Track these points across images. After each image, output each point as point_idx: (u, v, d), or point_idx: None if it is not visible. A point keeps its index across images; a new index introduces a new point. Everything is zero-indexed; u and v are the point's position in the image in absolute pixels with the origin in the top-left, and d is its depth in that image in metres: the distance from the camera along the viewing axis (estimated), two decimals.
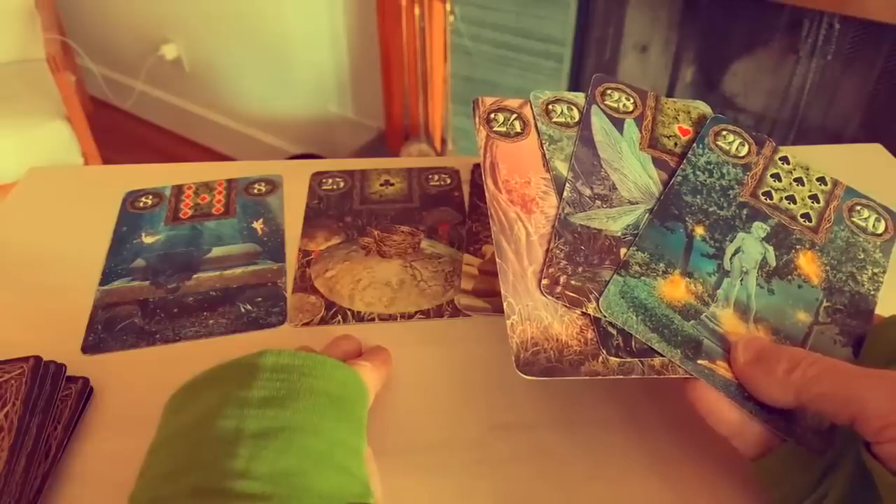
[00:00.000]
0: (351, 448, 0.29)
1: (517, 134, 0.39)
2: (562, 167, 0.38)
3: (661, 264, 0.35)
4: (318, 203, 0.53)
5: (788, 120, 1.28)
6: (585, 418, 0.37)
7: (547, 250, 0.35)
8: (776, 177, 0.39)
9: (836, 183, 0.40)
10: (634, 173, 0.38)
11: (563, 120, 0.40)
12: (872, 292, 0.36)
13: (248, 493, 0.24)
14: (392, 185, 0.54)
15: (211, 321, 0.43)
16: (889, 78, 1.15)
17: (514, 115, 0.40)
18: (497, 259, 0.34)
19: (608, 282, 0.34)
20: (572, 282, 0.34)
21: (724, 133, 0.40)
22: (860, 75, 1.18)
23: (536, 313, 0.33)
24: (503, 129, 0.39)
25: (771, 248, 0.37)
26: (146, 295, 0.45)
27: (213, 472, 0.25)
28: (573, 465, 0.35)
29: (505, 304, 0.33)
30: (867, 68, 1.17)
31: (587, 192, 0.37)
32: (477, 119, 0.40)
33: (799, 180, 0.39)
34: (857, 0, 1.03)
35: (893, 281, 0.38)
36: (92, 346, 0.41)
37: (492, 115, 0.40)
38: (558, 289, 0.33)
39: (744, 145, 0.40)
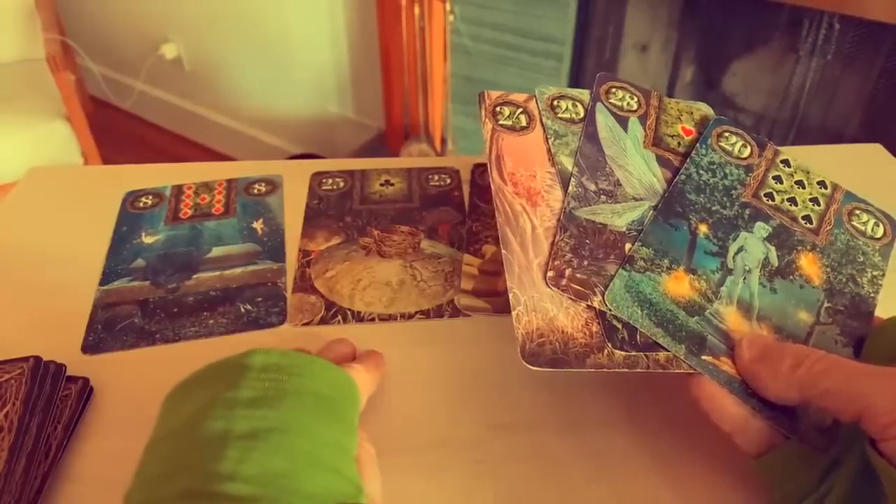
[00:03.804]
0: (341, 448, 0.29)
1: (522, 128, 0.39)
2: (567, 162, 0.38)
3: (666, 260, 0.35)
4: (318, 203, 0.53)
5: (788, 120, 1.28)
6: (585, 418, 0.37)
7: (552, 243, 0.35)
8: (777, 179, 0.39)
9: (835, 187, 0.40)
10: (639, 170, 0.38)
11: (568, 116, 0.40)
12: (872, 294, 0.37)
13: (237, 496, 0.24)
14: (392, 185, 0.54)
15: (211, 321, 0.43)
16: (889, 78, 1.15)
17: (520, 110, 0.40)
18: (502, 250, 0.34)
19: (613, 276, 0.34)
20: (577, 275, 0.34)
21: (727, 134, 0.41)
22: (860, 75, 1.18)
23: (542, 305, 0.33)
24: (509, 122, 0.39)
25: (773, 249, 0.37)
26: (146, 295, 0.45)
27: (202, 475, 0.25)
28: (573, 466, 0.35)
29: (511, 296, 0.33)
30: (867, 68, 1.17)
31: (592, 187, 0.37)
32: (483, 112, 0.40)
33: (800, 183, 0.40)
34: (857, 0, 1.03)
35: (893, 284, 0.38)
36: (92, 346, 0.41)
37: (497, 109, 0.40)
38: (564, 281, 0.33)
39: (746, 147, 0.40)
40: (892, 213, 0.40)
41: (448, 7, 1.44)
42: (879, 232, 0.39)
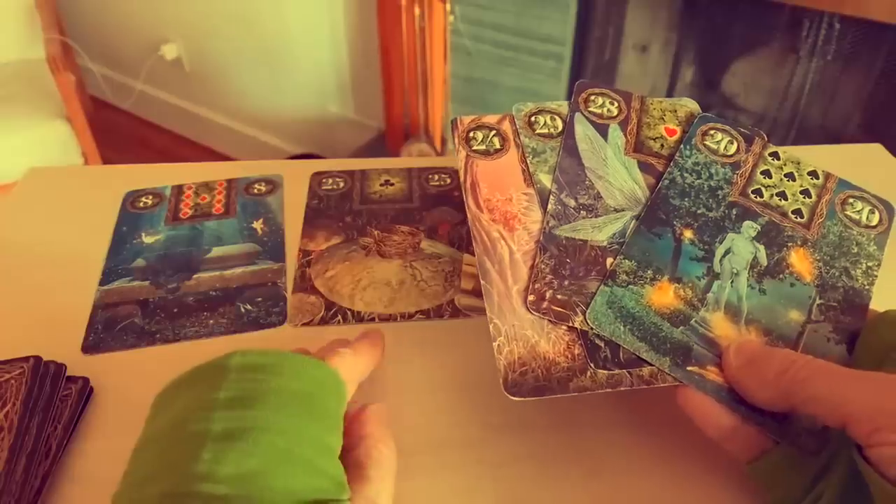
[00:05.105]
0: (321, 446, 0.28)
1: (496, 151, 0.39)
2: (546, 180, 0.38)
3: (649, 271, 0.35)
4: (318, 203, 0.53)
5: (788, 120, 1.28)
6: (584, 418, 0.37)
7: (531, 267, 0.34)
8: (766, 174, 0.39)
9: (828, 176, 0.39)
10: (619, 180, 0.38)
11: (546, 131, 0.40)
12: (867, 287, 0.36)
13: (212, 495, 0.24)
14: (392, 185, 0.54)
15: (211, 321, 0.43)
16: (889, 78, 1.15)
17: (493, 132, 0.40)
18: (481, 280, 0.34)
19: (594, 293, 0.34)
20: (558, 296, 0.33)
21: (712, 132, 0.40)
22: (860, 75, 1.18)
23: (523, 333, 0.32)
24: (482, 147, 0.39)
25: (762, 248, 0.36)
26: (146, 295, 0.45)
27: (180, 477, 0.25)
28: (573, 465, 0.35)
29: (491, 327, 0.32)
30: (867, 68, 1.17)
31: (572, 203, 0.37)
32: (456, 139, 0.39)
33: (790, 175, 0.39)
34: (856, 0, 1.03)
35: (889, 274, 0.37)
36: (92, 346, 0.41)
37: (470, 134, 0.39)
38: (544, 304, 0.33)
39: (732, 143, 0.40)
40: None
41: (448, 7, 1.44)
42: (875, 220, 0.38)
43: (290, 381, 0.29)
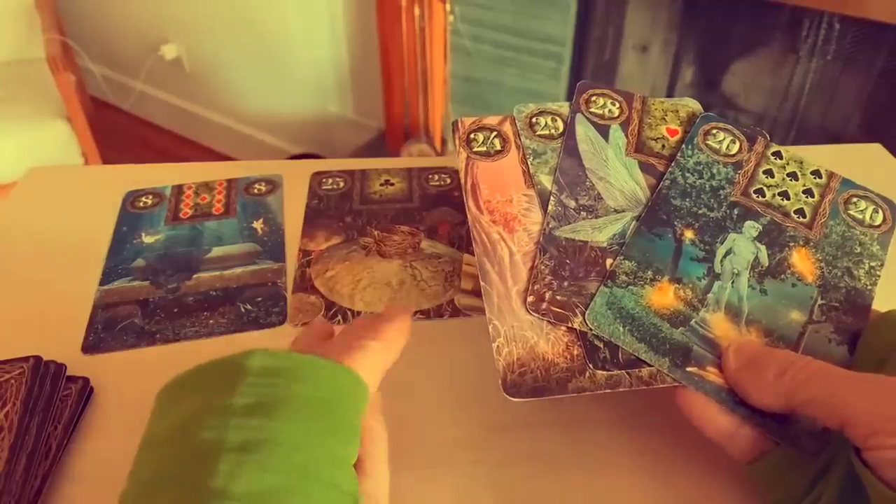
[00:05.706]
0: (339, 460, 0.27)
1: (497, 152, 0.39)
2: (546, 181, 0.38)
3: (649, 272, 0.34)
4: (318, 203, 0.53)
5: (788, 120, 1.28)
6: (584, 418, 0.37)
7: (531, 268, 0.34)
8: (769, 173, 0.39)
9: (831, 175, 0.39)
10: (620, 181, 0.38)
11: (547, 132, 0.40)
12: (869, 287, 0.36)
13: None
14: (392, 185, 0.54)
15: (211, 321, 0.43)
16: (889, 78, 1.15)
17: (494, 134, 0.39)
18: (481, 282, 0.34)
19: (594, 294, 0.34)
20: (557, 297, 0.33)
21: (714, 132, 0.40)
22: (860, 75, 1.18)
23: (522, 333, 0.32)
24: (483, 148, 0.39)
25: (763, 248, 0.36)
26: (146, 295, 0.45)
27: (193, 489, 0.24)
28: (572, 466, 0.35)
29: (490, 328, 0.32)
30: (867, 68, 1.17)
31: (572, 204, 0.37)
32: (457, 141, 0.39)
33: (792, 175, 0.39)
34: (857, 0, 1.03)
35: (892, 274, 0.37)
36: (92, 346, 0.41)
37: (471, 136, 0.39)
38: (544, 305, 0.33)
39: (734, 143, 0.39)
40: None
41: (448, 7, 1.44)
42: (879, 219, 0.38)
43: (311, 388, 0.28)
